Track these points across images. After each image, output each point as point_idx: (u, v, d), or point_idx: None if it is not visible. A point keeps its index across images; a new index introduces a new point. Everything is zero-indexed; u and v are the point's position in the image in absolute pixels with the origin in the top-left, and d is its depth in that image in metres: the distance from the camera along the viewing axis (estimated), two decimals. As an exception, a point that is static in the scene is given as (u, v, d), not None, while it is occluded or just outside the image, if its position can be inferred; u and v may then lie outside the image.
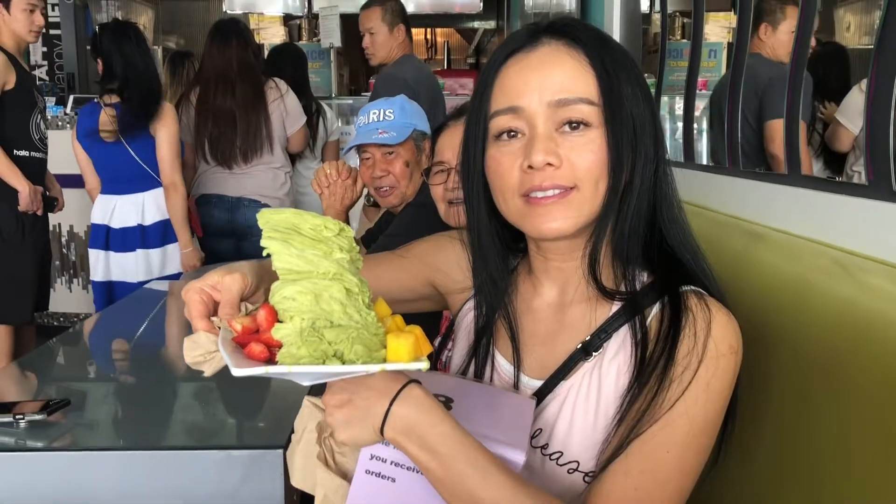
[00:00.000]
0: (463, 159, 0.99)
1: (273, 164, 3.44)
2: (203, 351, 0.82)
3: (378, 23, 3.32)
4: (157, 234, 3.23)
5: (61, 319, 4.52)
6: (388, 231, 2.13)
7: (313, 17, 5.78)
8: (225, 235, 3.43)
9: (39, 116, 3.26)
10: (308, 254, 0.77)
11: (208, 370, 0.83)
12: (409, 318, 0.85)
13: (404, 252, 1.12)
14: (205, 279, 0.84)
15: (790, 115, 1.29)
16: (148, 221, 3.23)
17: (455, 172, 1.66)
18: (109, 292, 3.25)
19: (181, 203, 3.20)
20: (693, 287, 0.91)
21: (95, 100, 3.18)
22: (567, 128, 0.89)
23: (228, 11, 5.84)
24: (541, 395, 0.96)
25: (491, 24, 7.67)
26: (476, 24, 7.94)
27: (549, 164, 0.88)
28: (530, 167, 0.89)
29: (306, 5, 5.79)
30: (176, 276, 3.21)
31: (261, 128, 3.35)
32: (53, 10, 6.02)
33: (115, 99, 3.17)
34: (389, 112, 2.15)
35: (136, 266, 3.21)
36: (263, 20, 6.48)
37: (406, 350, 0.76)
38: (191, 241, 3.26)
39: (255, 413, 1.45)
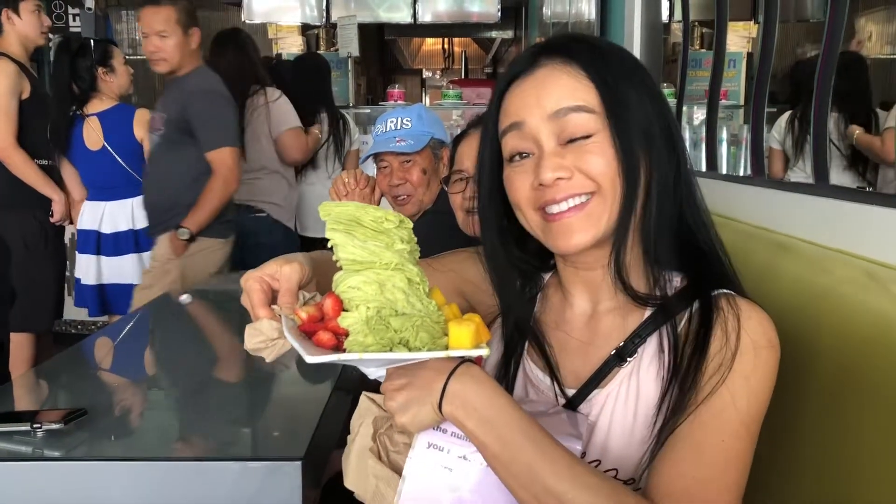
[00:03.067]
0: (479, 182, 1.03)
1: (266, 170, 3.44)
2: (264, 338, 0.84)
3: (172, 24, 2.87)
4: (148, 238, 3.25)
5: (79, 327, 4.54)
6: (405, 240, 2.11)
7: (331, 27, 5.80)
8: None
9: None
10: (370, 245, 0.80)
11: (269, 356, 0.86)
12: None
13: (437, 264, 1.12)
14: (263, 268, 0.86)
15: (817, 124, 1.26)
16: (139, 226, 3.28)
17: (474, 181, 1.65)
18: (102, 294, 3.32)
19: None
20: (725, 290, 0.93)
21: (77, 111, 3.25)
22: (570, 141, 0.91)
23: (247, 21, 5.87)
24: (574, 403, 0.97)
25: (508, 34, 7.67)
26: (494, 34, 7.93)
27: (560, 178, 0.90)
28: (541, 185, 0.91)
29: (324, 15, 5.81)
30: None
31: None
32: (74, 19, 6.08)
33: (97, 108, 3.23)
34: (406, 120, 2.15)
35: (132, 268, 3.28)
36: (282, 30, 6.51)
37: (468, 337, 0.77)
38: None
39: (272, 424, 1.44)
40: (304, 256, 0.89)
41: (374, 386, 0.93)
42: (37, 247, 3.22)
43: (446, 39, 9.65)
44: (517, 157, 0.94)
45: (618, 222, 0.92)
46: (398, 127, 2.16)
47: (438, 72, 9.85)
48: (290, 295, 0.85)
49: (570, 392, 0.97)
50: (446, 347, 0.78)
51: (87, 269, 3.32)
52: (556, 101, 0.91)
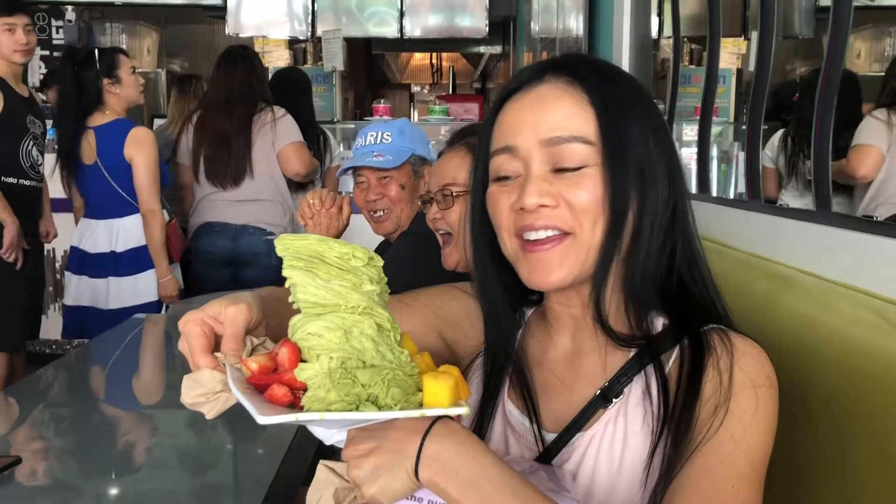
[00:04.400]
0: (471, 200, 0.96)
1: (276, 192, 3.39)
2: (205, 391, 0.73)
3: None
4: (129, 262, 3.16)
5: (53, 347, 4.42)
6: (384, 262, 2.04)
7: (318, 41, 5.73)
8: (226, 265, 3.36)
9: (32, 143, 3.18)
10: (335, 285, 0.70)
11: (210, 412, 0.74)
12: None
13: (411, 300, 1.03)
14: (205, 310, 0.75)
15: (819, 147, 1.19)
16: (120, 248, 3.17)
17: (434, 201, 1.60)
18: (79, 317, 3.20)
19: (159, 231, 3.13)
20: (715, 325, 0.86)
21: (81, 123, 3.15)
22: (562, 169, 0.85)
23: (232, 34, 5.80)
24: (555, 448, 0.89)
25: (497, 50, 7.62)
26: (482, 49, 7.89)
27: (544, 206, 0.84)
28: (522, 209, 0.85)
29: (311, 29, 5.74)
30: (151, 305, 3.16)
31: (245, 151, 3.30)
32: (58, 32, 6.00)
33: (97, 122, 3.13)
34: (388, 135, 2.08)
35: (108, 293, 3.16)
36: (268, 44, 6.44)
37: (445, 393, 0.69)
38: (169, 270, 3.18)
39: (228, 468, 1.34)
40: (253, 296, 0.79)
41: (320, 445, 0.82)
42: (3, 263, 3.11)
43: (434, 54, 9.61)
44: (503, 178, 0.89)
45: (596, 266, 0.86)
46: (378, 141, 2.09)
47: (427, 86, 9.81)
48: (236, 340, 0.74)
49: (550, 436, 0.90)
50: (421, 405, 0.69)
51: (68, 288, 3.23)
52: (552, 126, 0.86)
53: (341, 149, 4.22)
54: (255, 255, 3.33)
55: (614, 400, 0.87)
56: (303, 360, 0.70)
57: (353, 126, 5.14)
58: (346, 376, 0.68)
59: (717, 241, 1.45)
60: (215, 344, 0.75)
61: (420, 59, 9.87)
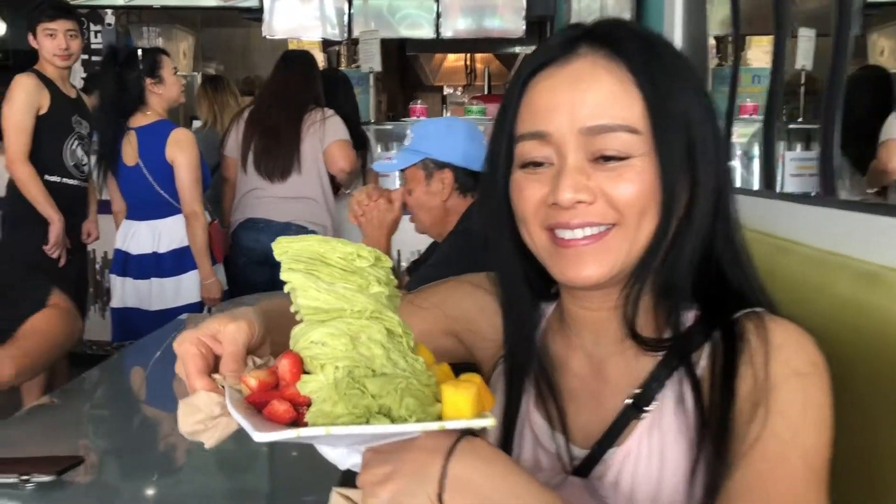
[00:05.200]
0: (483, 186, 0.87)
1: (322, 191, 3.41)
2: (203, 416, 0.66)
3: None
4: (172, 263, 3.17)
5: (94, 348, 4.45)
6: (430, 261, 2.03)
7: (352, 43, 5.73)
8: (266, 262, 3.35)
9: (77, 143, 3.22)
10: (339, 288, 0.63)
11: (209, 441, 0.68)
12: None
13: (421, 300, 0.96)
14: (203, 328, 0.69)
15: None
16: (163, 249, 3.17)
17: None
18: (125, 319, 3.22)
19: (202, 232, 3.13)
20: (749, 309, 0.78)
21: (123, 123, 3.17)
22: (602, 159, 0.76)
23: (268, 37, 5.82)
24: (589, 465, 0.81)
25: (532, 50, 7.57)
26: (517, 50, 7.83)
27: (580, 202, 0.75)
28: (556, 203, 0.76)
29: (345, 31, 5.74)
30: (193, 306, 3.16)
31: (294, 146, 3.33)
32: (97, 36, 6.06)
33: (139, 122, 3.15)
34: (411, 135, 2.05)
35: (150, 294, 3.17)
36: (302, 46, 6.47)
37: (467, 403, 0.60)
38: (212, 272, 3.18)
39: (263, 480, 1.30)
40: (255, 312, 0.72)
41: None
42: (50, 265, 3.14)
43: (468, 55, 9.58)
44: (531, 165, 0.80)
45: (639, 261, 0.78)
46: (404, 141, 2.08)
47: (460, 88, 9.78)
48: (236, 361, 0.67)
49: (581, 453, 0.83)
50: (440, 417, 0.61)
51: (114, 290, 3.26)
52: (592, 111, 0.76)
53: (378, 150, 4.20)
54: None
55: (646, 409, 0.80)
56: (306, 372, 0.63)
57: (390, 127, 5.13)
58: (353, 386, 0.61)
59: (786, 239, 1.39)
60: (214, 365, 0.69)
61: (454, 60, 9.84)
